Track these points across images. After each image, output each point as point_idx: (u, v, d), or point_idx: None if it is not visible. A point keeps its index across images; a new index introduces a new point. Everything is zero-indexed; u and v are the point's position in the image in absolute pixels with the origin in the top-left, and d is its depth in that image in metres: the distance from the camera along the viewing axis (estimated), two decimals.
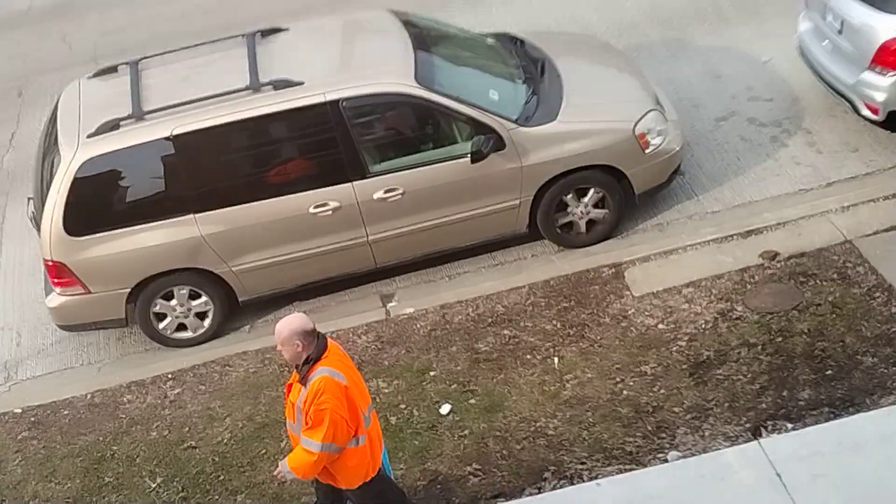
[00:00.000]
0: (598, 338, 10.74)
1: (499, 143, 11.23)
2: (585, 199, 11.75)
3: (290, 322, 8.04)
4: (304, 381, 8.03)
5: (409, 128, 11.53)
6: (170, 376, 11.33)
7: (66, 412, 11.15)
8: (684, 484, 9.27)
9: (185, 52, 12.05)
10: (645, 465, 9.49)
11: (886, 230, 11.24)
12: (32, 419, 11.14)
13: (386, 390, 10.64)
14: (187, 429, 10.66)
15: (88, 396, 11.26)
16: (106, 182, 11.15)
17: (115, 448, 10.58)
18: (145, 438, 10.62)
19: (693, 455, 9.47)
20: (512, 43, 12.67)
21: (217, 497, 9.89)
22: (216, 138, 11.06)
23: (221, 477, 10.09)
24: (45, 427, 10.99)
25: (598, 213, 11.85)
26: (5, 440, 10.95)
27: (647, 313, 10.91)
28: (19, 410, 11.24)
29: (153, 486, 10.17)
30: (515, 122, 11.40)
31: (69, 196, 10.98)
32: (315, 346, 8.02)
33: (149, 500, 10.04)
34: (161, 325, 11.68)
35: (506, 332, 11.03)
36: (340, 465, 8.25)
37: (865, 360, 10.01)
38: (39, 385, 11.64)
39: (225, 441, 10.43)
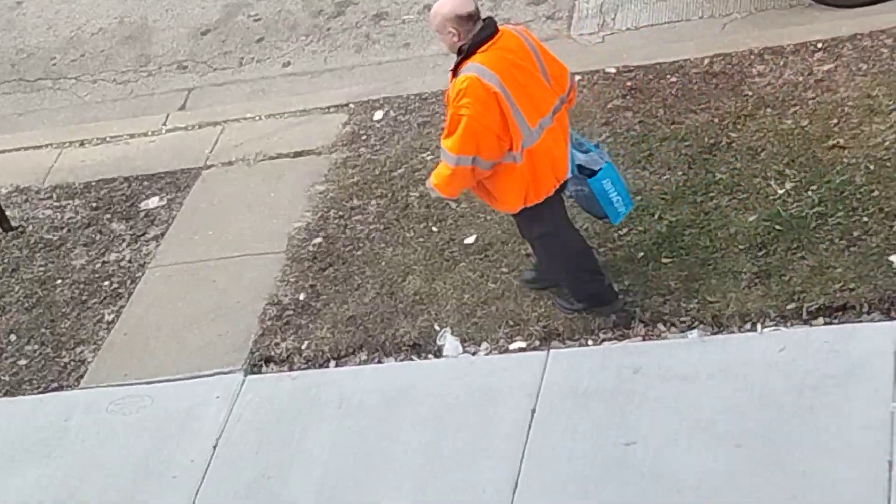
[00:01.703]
0: None
1: None
2: None
3: (443, 4, 7.26)
4: (454, 73, 7.42)
5: None
6: (819, 46, 9.69)
7: (672, 79, 9.73)
8: None
9: None
10: None
11: None
12: (629, 84, 9.81)
13: None
14: (835, 121, 8.99)
15: (706, 62, 9.79)
16: None
17: (733, 136, 9.02)
18: (775, 127, 9.05)
19: None
20: None
21: (865, 219, 8.08)
22: None
23: (875, 192, 8.32)
24: (645, 96, 9.66)
25: None
26: (592, 107, 9.72)
27: None
28: (613, 70, 10.01)
29: (779, 192, 8.59)
30: None
31: None
32: (473, 34, 7.22)
33: (772, 209, 8.46)
34: None
35: None
36: (494, 182, 7.59)
37: None
38: (642, 39, 10.48)
39: (886, 145, 8.59)
